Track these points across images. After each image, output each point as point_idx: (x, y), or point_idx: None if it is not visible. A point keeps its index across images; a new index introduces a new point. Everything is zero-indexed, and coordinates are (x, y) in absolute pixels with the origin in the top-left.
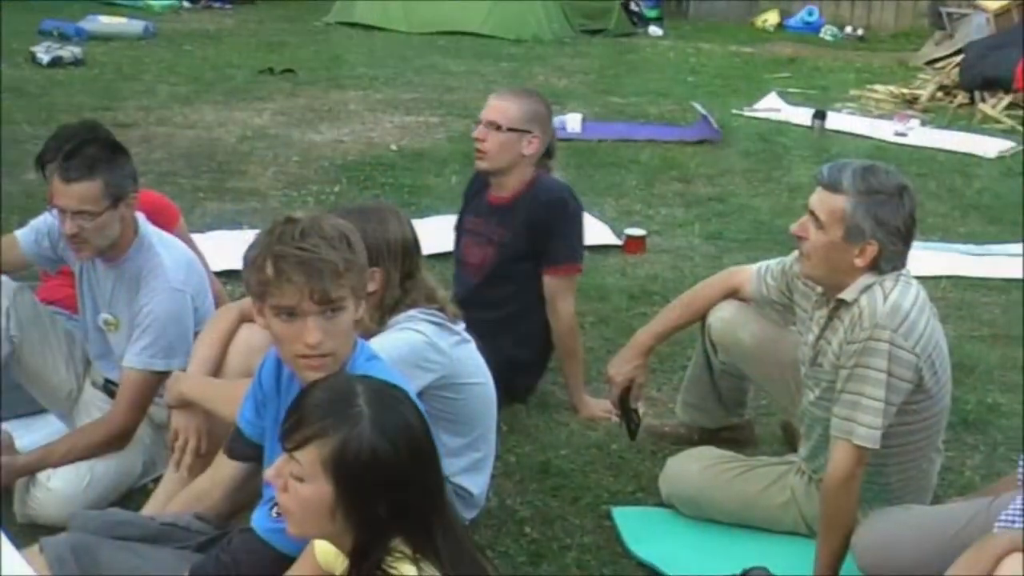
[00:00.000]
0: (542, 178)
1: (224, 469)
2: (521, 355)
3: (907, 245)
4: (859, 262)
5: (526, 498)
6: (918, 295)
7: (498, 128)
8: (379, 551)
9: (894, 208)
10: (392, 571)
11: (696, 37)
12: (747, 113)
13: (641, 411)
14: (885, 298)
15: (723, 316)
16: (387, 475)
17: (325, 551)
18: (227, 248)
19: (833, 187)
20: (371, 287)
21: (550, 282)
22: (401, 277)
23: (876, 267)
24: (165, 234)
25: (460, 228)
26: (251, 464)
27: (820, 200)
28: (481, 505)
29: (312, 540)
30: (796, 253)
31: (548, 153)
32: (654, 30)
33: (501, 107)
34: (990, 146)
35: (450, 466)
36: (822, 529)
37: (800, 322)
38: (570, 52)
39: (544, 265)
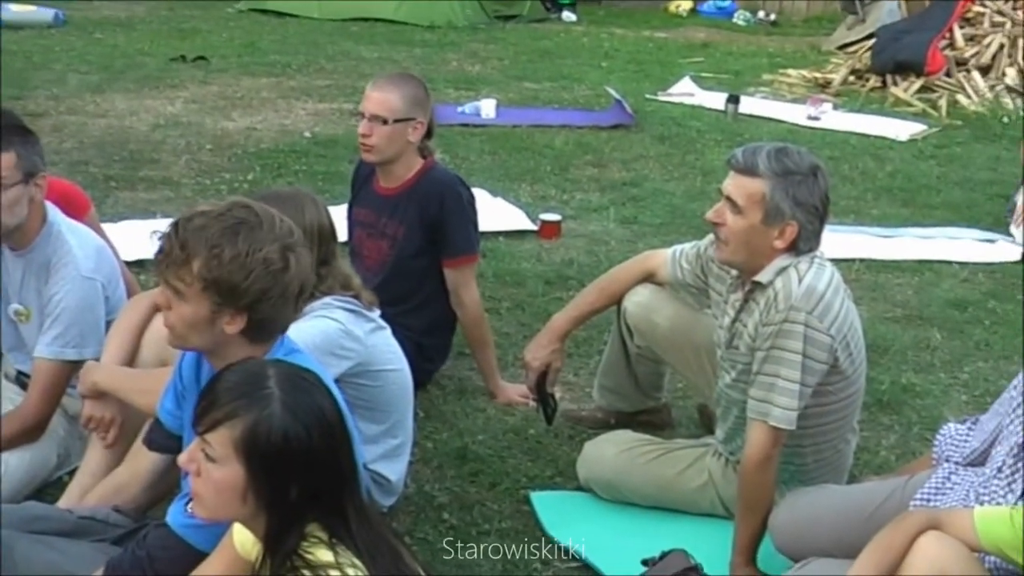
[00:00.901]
0: (431, 170)
1: (143, 461)
2: (429, 342)
3: (823, 224)
4: (779, 243)
5: (444, 484)
6: (832, 277)
7: (384, 122)
8: (293, 536)
9: (810, 187)
10: (308, 556)
11: (609, 22)
12: (661, 98)
13: (558, 396)
14: (800, 280)
15: (638, 300)
16: (298, 457)
17: (243, 539)
18: (140, 238)
19: (749, 171)
20: None
21: (450, 274)
22: (317, 263)
23: (795, 247)
24: (74, 222)
25: (350, 219)
26: (170, 456)
27: (736, 185)
28: (399, 492)
29: (231, 529)
30: (711, 237)
31: (428, 134)
32: (568, 16)
33: (383, 99)
34: (902, 129)
35: (368, 453)
36: (740, 510)
37: (715, 305)
38: (484, 38)
39: (442, 257)
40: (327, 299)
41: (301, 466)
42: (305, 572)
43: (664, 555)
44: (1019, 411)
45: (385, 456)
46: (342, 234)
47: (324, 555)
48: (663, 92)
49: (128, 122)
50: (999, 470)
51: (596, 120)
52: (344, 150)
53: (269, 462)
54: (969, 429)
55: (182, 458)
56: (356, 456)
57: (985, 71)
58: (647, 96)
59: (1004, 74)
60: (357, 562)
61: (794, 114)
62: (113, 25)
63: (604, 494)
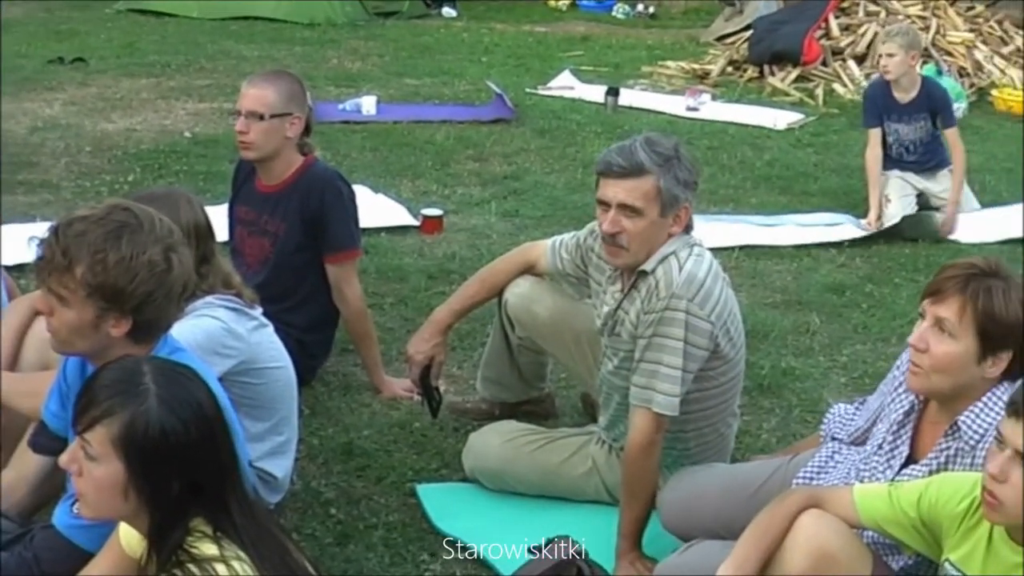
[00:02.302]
0: (311, 167)
1: (28, 464)
2: (312, 338)
3: None
4: (675, 228)
5: (331, 480)
6: (712, 264)
7: (261, 118)
8: (178, 531)
9: (686, 166)
10: (193, 550)
11: (489, 17)
12: (541, 91)
13: (442, 389)
14: (680, 268)
15: (519, 292)
16: (177, 451)
17: (129, 535)
18: (19, 242)
19: (637, 171)
20: None
21: (332, 270)
22: (197, 262)
23: (687, 228)
24: None
25: (232, 217)
26: (55, 458)
27: (627, 189)
28: (286, 488)
29: (118, 528)
30: (590, 227)
31: (306, 130)
32: (447, 11)
33: (259, 96)
34: (779, 118)
35: (253, 451)
36: (624, 496)
37: (594, 295)
38: (364, 35)
39: (324, 253)
40: (209, 298)
41: (180, 460)
42: (191, 566)
43: (549, 542)
44: (900, 389)
45: (271, 453)
46: (222, 233)
47: (209, 549)
48: (543, 86)
49: (6, 125)
50: (879, 446)
51: (477, 115)
52: (225, 149)
53: (148, 457)
54: (856, 409)
55: (63, 458)
56: (237, 448)
57: (860, 60)
58: (527, 90)
59: (879, 62)
60: (242, 555)
61: (673, 105)
62: None
63: (490, 484)
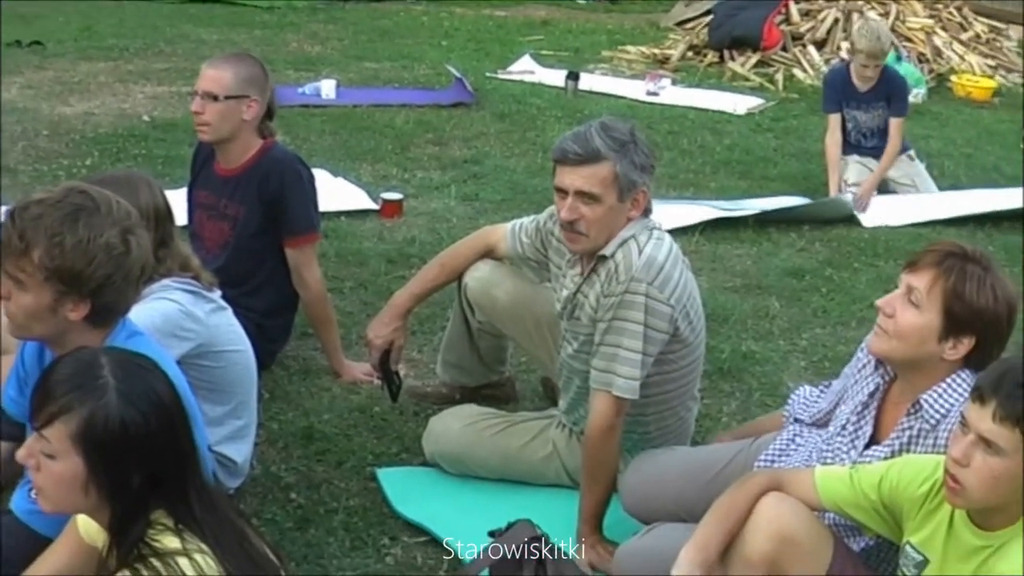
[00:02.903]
0: (270, 150)
1: None
2: (271, 322)
3: None
4: (634, 213)
5: (291, 464)
6: (671, 248)
7: (215, 98)
8: (139, 524)
9: (643, 149)
10: (155, 544)
11: (449, 1)
12: (501, 76)
13: (402, 373)
14: (640, 252)
15: (478, 276)
16: (137, 444)
17: (88, 525)
18: None
19: (593, 158)
20: None
21: (291, 253)
22: (155, 245)
23: (646, 211)
24: None
25: (191, 201)
26: (15, 444)
27: (584, 176)
28: (245, 473)
29: (74, 516)
30: (550, 210)
31: (268, 115)
32: None
33: (215, 76)
34: (739, 103)
35: (212, 435)
36: (585, 479)
37: (554, 278)
38: (323, 18)
39: (283, 236)
40: (166, 281)
41: (141, 453)
42: (153, 560)
43: (510, 525)
44: (865, 371)
45: (230, 438)
46: (181, 217)
47: (171, 542)
48: (503, 70)
49: None
50: (843, 427)
51: (436, 99)
52: (184, 133)
53: (108, 452)
54: (820, 392)
55: (20, 454)
56: (197, 437)
57: (820, 45)
58: (487, 74)
59: (839, 48)
60: (204, 547)
61: (633, 90)
62: None
63: (450, 468)
